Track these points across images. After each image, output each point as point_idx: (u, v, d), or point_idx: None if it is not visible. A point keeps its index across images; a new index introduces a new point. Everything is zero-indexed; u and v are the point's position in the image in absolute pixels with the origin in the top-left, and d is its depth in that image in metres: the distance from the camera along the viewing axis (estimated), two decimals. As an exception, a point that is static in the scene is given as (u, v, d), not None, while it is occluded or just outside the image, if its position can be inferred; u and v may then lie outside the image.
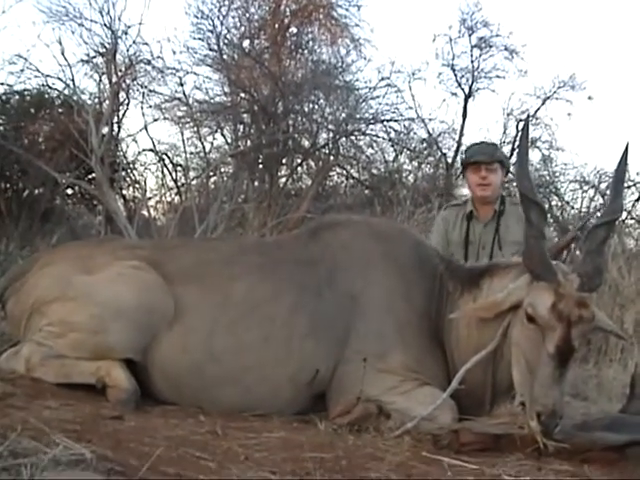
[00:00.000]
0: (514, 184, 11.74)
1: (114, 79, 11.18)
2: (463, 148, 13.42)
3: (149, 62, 11.63)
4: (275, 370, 4.31)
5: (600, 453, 3.70)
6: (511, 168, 6.38)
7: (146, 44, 11.47)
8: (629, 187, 12.20)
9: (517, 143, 12.47)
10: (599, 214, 10.01)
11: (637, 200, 12.44)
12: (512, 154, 13.03)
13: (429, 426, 3.97)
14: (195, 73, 12.46)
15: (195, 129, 12.39)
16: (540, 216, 3.99)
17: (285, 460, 3.32)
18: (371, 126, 12.98)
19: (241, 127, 12.57)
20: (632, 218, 12.38)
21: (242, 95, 12.48)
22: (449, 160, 13.80)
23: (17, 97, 11.97)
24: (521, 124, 13.06)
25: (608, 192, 9.46)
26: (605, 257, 4.55)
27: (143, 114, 12.01)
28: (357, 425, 4.09)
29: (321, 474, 3.10)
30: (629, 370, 6.14)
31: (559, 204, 13.28)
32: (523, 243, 4.07)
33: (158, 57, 11.60)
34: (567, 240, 5.82)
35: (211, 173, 12.23)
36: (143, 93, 11.97)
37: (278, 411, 4.30)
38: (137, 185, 12.68)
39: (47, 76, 11.22)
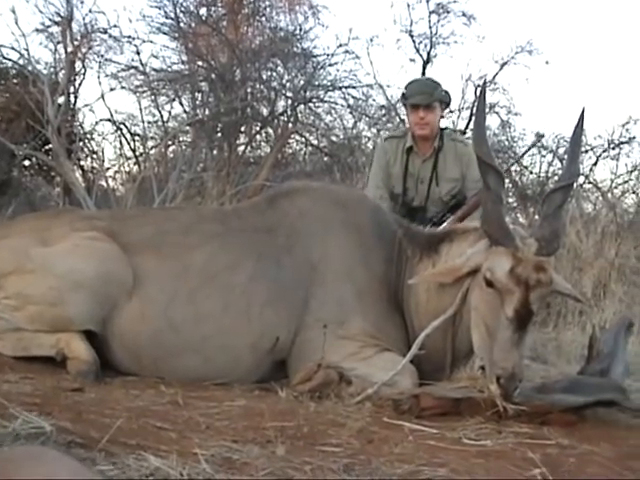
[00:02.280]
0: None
1: (70, 48, 11.03)
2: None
3: (105, 31, 11.47)
4: (235, 338, 4.31)
5: (559, 415, 3.75)
6: (451, 102, 6.46)
7: (102, 13, 11.34)
8: (586, 151, 12.29)
9: (475, 108, 12.48)
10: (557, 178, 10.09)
11: (594, 164, 12.56)
12: (470, 119, 13.06)
13: (390, 391, 3.98)
14: (152, 42, 12.37)
15: (152, 98, 12.27)
16: (498, 181, 4.00)
17: (246, 428, 3.32)
18: (329, 93, 12.90)
19: (199, 95, 12.45)
20: (589, 182, 12.47)
21: (199, 63, 12.39)
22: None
23: (-29, 68, 11.76)
24: (479, 90, 13.09)
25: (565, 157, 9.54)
26: (563, 221, 4.60)
27: (100, 83, 12.02)
28: (318, 392, 4.09)
29: (282, 441, 3.11)
30: (587, 332, 6.20)
31: (518, 169, 13.33)
32: (481, 208, 4.09)
33: (114, 26, 11.41)
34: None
35: (169, 142, 12.12)
36: (99, 62, 11.76)
37: (239, 380, 4.31)
38: (95, 155, 12.49)
39: (1, 46, 11.02)
